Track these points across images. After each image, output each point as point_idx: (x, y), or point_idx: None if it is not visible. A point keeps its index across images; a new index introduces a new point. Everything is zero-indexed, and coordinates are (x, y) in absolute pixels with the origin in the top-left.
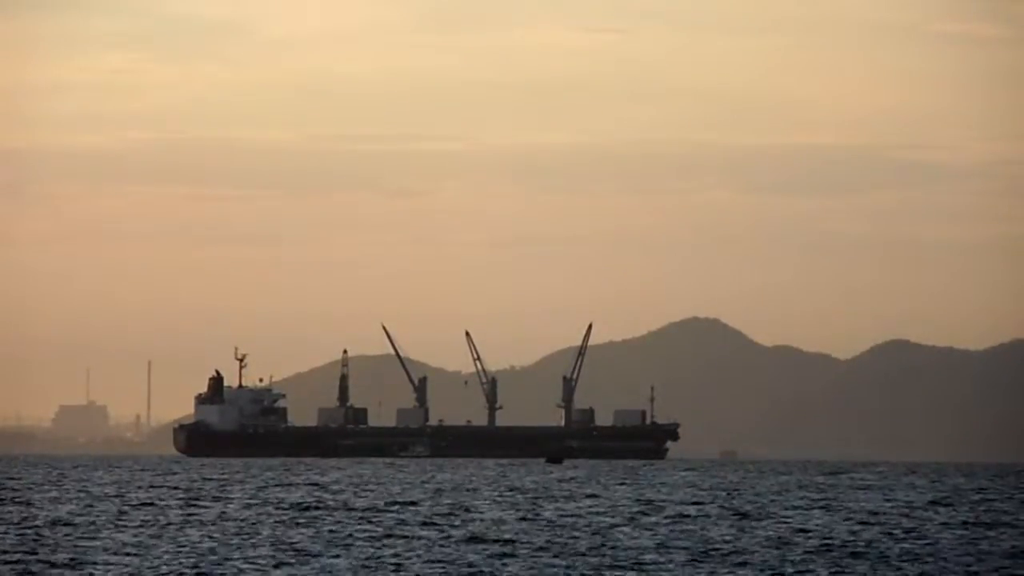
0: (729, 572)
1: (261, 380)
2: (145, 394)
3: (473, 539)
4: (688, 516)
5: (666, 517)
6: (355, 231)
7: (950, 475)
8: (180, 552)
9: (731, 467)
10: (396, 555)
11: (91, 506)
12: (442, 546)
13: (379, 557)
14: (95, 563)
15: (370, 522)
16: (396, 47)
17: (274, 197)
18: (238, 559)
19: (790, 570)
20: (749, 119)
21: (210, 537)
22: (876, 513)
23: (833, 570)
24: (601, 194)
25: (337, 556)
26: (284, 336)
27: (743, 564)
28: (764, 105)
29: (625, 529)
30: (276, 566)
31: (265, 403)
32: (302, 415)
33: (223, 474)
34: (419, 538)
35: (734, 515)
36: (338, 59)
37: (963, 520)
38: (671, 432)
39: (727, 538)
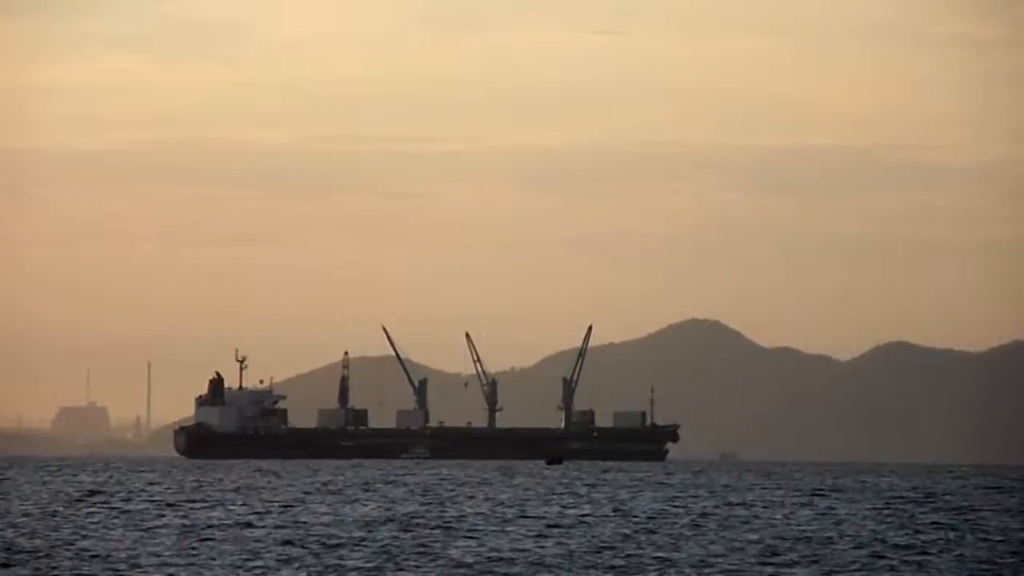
0: None
1: (262, 382)
2: (145, 395)
3: None
4: None
5: None
6: (355, 231)
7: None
8: None
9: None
10: None
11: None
12: None
13: None
14: None
15: None
16: (396, 47)
17: (274, 197)
18: None
19: None
20: (749, 119)
21: None
22: None
23: None
24: (601, 195)
25: None
26: (284, 338)
27: None
28: (764, 105)
29: None
30: None
31: (265, 405)
32: (302, 417)
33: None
34: None
35: None
36: (338, 59)
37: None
38: (671, 434)
39: None
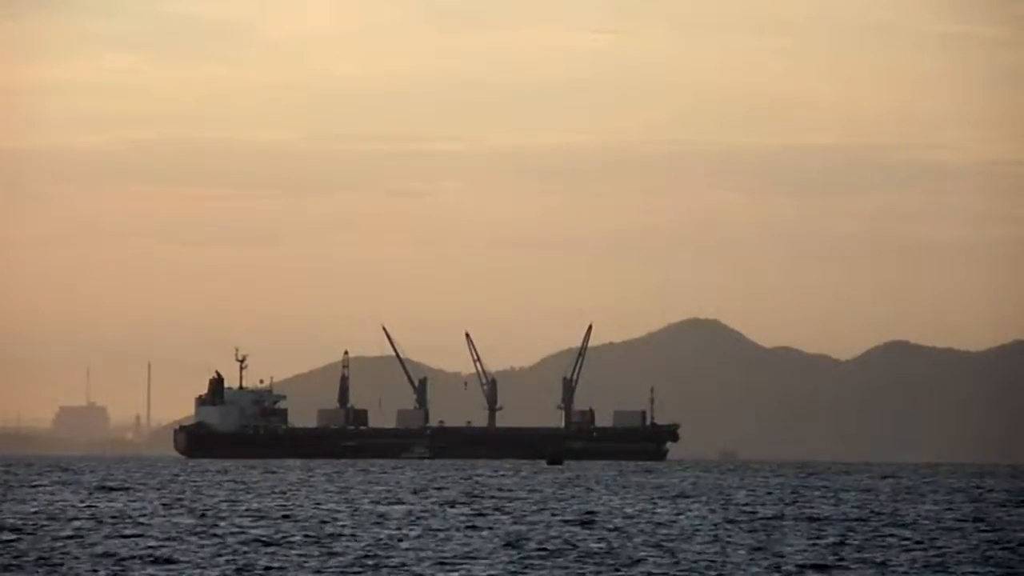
0: None
1: (262, 381)
2: (145, 395)
3: None
4: None
5: None
6: (355, 231)
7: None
8: None
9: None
10: None
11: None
12: None
13: None
14: None
15: None
16: (396, 47)
17: (274, 197)
18: None
19: None
20: (749, 119)
21: None
22: None
23: None
24: (601, 195)
25: None
26: (284, 337)
27: None
28: (764, 105)
29: None
30: None
31: (265, 404)
32: (302, 416)
33: None
34: None
35: None
36: (338, 59)
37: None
38: (671, 433)
39: None
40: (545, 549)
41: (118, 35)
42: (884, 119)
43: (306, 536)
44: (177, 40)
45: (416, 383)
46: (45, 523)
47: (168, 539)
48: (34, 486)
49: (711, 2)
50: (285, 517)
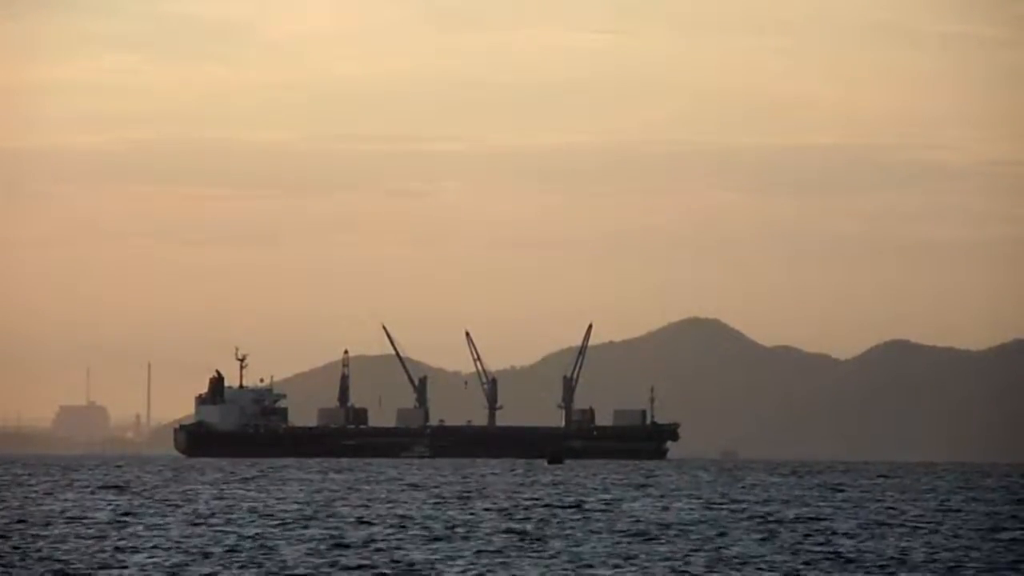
0: None
1: (262, 380)
2: (145, 394)
3: None
4: None
5: None
6: (355, 231)
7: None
8: None
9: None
10: None
11: None
12: None
13: None
14: None
15: None
16: (396, 47)
17: (274, 197)
18: None
19: None
20: (749, 119)
21: None
22: None
23: None
24: (601, 194)
25: None
26: (285, 336)
27: None
28: (764, 105)
29: None
30: None
31: (266, 403)
32: (302, 415)
33: None
34: None
35: None
36: (338, 59)
37: None
38: (671, 432)
39: None
40: (538, 547)
41: (118, 35)
42: (884, 119)
43: (297, 535)
44: (177, 40)
45: (416, 382)
46: (41, 523)
47: (159, 538)
48: (30, 485)
49: (711, 2)
50: (278, 515)
